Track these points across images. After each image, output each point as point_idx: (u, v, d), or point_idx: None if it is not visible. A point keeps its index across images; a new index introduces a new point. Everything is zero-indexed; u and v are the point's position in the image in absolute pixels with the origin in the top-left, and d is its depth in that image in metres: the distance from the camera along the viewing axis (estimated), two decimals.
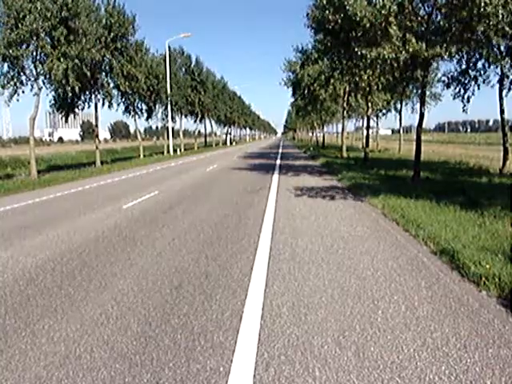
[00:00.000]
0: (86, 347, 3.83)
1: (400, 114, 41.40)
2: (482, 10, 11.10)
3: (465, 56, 15.69)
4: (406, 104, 40.01)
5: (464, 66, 16.11)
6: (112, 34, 27.92)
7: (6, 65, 20.47)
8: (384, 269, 5.77)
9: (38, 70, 21.61)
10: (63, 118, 27.79)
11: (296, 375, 3.30)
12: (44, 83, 22.84)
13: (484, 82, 16.91)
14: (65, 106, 26.58)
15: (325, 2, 17.39)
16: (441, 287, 5.04)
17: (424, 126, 16.44)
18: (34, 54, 21.32)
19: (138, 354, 3.68)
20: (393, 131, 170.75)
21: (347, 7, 13.98)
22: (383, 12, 13.31)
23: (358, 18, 13.74)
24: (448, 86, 16.22)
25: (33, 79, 21.63)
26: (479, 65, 16.56)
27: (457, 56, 15.28)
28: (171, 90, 43.15)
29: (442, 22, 13.98)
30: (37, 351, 3.79)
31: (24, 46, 20.49)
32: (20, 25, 19.63)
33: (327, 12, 16.53)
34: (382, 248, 6.84)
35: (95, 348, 3.81)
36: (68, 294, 5.14)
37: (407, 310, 4.43)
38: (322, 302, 4.69)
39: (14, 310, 4.72)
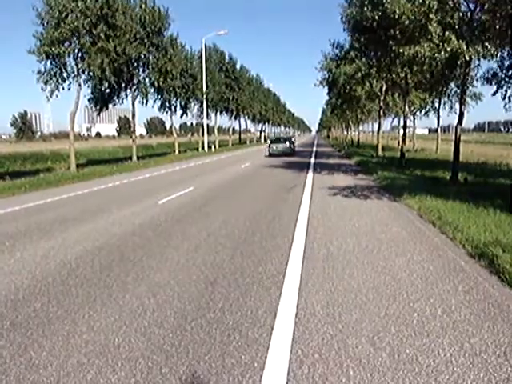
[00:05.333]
0: (125, 337, 3.95)
1: (438, 113, 40.31)
2: None
3: (509, 52, 15.10)
4: (445, 103, 38.83)
5: (508, 62, 15.51)
6: (147, 29, 28.37)
7: (48, 62, 21.21)
8: (420, 271, 5.68)
9: (79, 66, 22.27)
10: (99, 113, 28.61)
11: (330, 373, 3.30)
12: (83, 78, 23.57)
13: None
14: (101, 100, 27.29)
15: None
16: (479, 292, 4.92)
17: (463, 125, 15.91)
18: (76, 51, 21.97)
19: (175, 347, 3.76)
20: (430, 130, 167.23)
21: (386, 4, 13.78)
22: (423, 9, 13.04)
23: (396, 16, 13.52)
24: (490, 82, 15.61)
25: (73, 75, 22.31)
26: None
27: (499, 53, 14.77)
28: (207, 87, 43.47)
29: (484, 17, 13.54)
30: (78, 339, 3.94)
31: (66, 44, 21.14)
32: (62, 23, 20.29)
33: (365, 9, 16.34)
34: (418, 250, 6.73)
35: (133, 339, 3.92)
36: (106, 286, 5.30)
37: (444, 313, 4.35)
38: (357, 301, 4.66)
39: (56, 298, 4.91)
